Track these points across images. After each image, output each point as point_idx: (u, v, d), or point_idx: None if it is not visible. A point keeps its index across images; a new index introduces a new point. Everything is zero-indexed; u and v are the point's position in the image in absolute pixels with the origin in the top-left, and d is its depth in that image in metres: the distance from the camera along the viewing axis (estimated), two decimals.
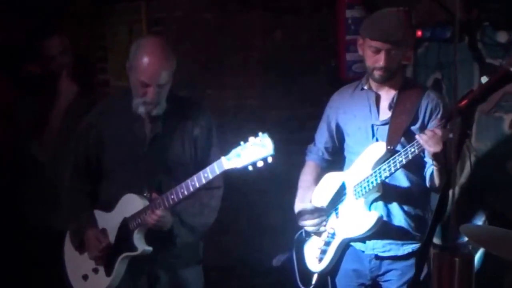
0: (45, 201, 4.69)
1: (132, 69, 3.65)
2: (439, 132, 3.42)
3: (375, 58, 3.68)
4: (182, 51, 4.92)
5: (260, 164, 3.31)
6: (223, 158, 3.39)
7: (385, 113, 3.79)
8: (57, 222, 4.49)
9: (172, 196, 3.55)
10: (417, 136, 3.51)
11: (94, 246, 3.75)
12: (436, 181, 3.63)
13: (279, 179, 4.71)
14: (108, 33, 5.46)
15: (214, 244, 4.12)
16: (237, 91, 5.39)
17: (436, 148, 3.42)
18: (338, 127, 3.97)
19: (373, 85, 3.82)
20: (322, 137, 4.06)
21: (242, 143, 3.34)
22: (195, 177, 3.49)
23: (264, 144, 3.30)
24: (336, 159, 4.06)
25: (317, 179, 4.03)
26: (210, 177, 3.45)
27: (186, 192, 3.52)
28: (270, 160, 3.31)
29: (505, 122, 4.56)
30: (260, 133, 3.33)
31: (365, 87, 3.83)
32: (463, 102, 2.41)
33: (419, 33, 4.95)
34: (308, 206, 3.93)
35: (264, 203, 5.27)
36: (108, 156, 3.80)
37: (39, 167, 4.74)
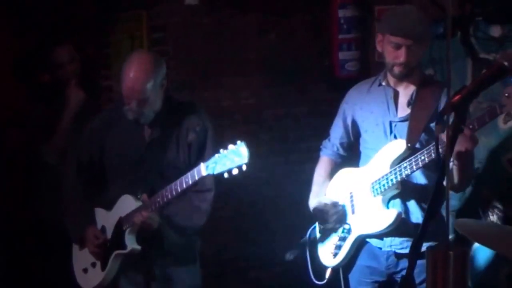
0: (57, 203, 4.82)
1: (120, 82, 3.79)
2: (467, 132, 3.36)
3: (395, 54, 3.64)
4: (180, 55, 4.99)
5: (235, 172, 3.40)
6: (202, 165, 3.50)
7: (404, 110, 3.75)
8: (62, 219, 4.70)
9: (158, 199, 3.68)
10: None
11: (91, 242, 3.91)
12: (455, 178, 3.59)
13: (276, 176, 4.74)
14: (112, 41, 5.61)
15: (212, 238, 4.16)
16: (234, 92, 5.45)
17: (459, 147, 3.36)
18: (354, 123, 3.94)
19: (391, 81, 3.78)
20: (337, 133, 4.03)
21: (221, 150, 3.43)
22: (177, 182, 3.62)
23: (239, 153, 3.38)
24: (350, 154, 4.04)
25: (332, 174, 4.02)
26: (190, 182, 3.57)
27: (169, 196, 3.64)
28: (244, 168, 3.38)
29: (499, 117, 4.56)
30: (238, 141, 3.41)
31: (383, 83, 3.78)
32: (456, 97, 2.41)
33: None
34: (322, 201, 3.91)
35: (261, 199, 5.32)
36: (109, 159, 3.97)
37: (50, 170, 4.92)
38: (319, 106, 5.51)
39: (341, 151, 4.04)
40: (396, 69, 3.68)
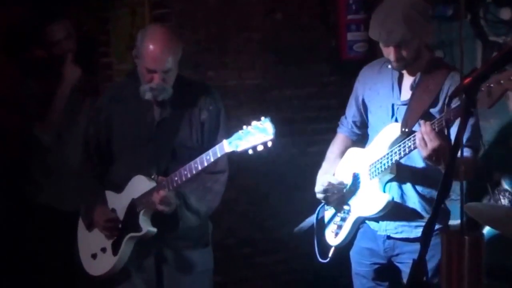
0: (51, 183, 4.79)
1: (139, 56, 3.74)
2: (428, 129, 3.30)
3: (387, 51, 3.61)
4: (184, 32, 4.94)
5: (260, 148, 3.35)
6: (224, 141, 3.43)
7: (407, 93, 3.69)
8: (63, 203, 4.63)
9: (176, 178, 3.60)
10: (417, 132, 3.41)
11: (103, 221, 3.81)
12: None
13: (282, 159, 4.72)
14: (111, 17, 5.50)
15: (218, 223, 4.14)
16: (238, 71, 5.40)
17: (426, 151, 3.32)
18: (364, 102, 3.92)
19: None
20: (350, 111, 4.01)
21: (244, 127, 3.38)
22: (198, 160, 3.54)
23: (265, 129, 3.34)
24: (366, 132, 3.99)
25: (345, 151, 4.01)
26: (212, 159, 3.50)
27: (189, 175, 3.57)
28: (270, 144, 3.34)
29: (509, 100, 4.56)
30: (262, 118, 3.36)
31: (389, 66, 3.71)
32: (467, 80, 2.39)
33: None
34: (329, 179, 3.89)
35: (267, 182, 5.30)
36: (118, 139, 3.88)
37: (44, 150, 4.79)
38: (325, 88, 5.50)
39: (355, 129, 4.02)
40: (394, 64, 3.64)
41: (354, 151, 3.96)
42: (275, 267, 5.51)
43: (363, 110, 3.93)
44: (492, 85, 2.59)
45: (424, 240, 2.55)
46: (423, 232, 2.95)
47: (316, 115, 5.41)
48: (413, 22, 3.51)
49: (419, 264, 2.44)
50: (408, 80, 3.71)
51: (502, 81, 2.56)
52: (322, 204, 4.03)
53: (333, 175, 3.96)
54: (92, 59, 5.38)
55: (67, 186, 4.51)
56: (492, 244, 4.47)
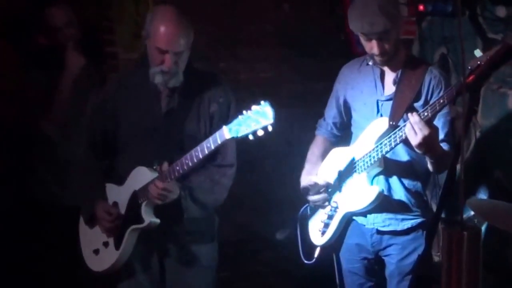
0: (55, 177, 4.70)
1: (148, 36, 3.62)
2: (417, 120, 3.37)
3: (369, 46, 3.66)
4: (194, 23, 4.91)
5: (260, 133, 3.26)
6: (224, 128, 3.34)
7: (390, 89, 3.78)
8: (67, 198, 4.53)
9: (178, 168, 3.53)
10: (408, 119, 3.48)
11: (104, 218, 3.75)
12: (431, 168, 3.64)
13: (294, 154, 4.73)
14: (115, 3, 5.35)
15: (227, 218, 4.13)
16: (250, 64, 5.37)
17: (416, 139, 3.39)
18: (346, 102, 3.99)
19: None
20: (330, 112, 4.09)
21: (244, 112, 3.29)
22: (198, 148, 3.46)
23: (264, 113, 3.25)
24: (345, 134, 4.07)
25: (325, 153, 4.06)
26: (212, 147, 3.42)
27: (190, 163, 3.49)
28: (270, 129, 3.25)
29: (509, 98, 4.57)
30: (262, 102, 3.28)
31: (370, 63, 3.80)
32: (470, 78, 2.43)
33: (421, 7, 4.96)
34: (313, 180, 3.95)
35: (278, 178, 5.25)
36: (123, 129, 3.79)
37: (48, 141, 4.69)
38: None
39: (335, 131, 4.11)
40: (377, 59, 3.71)
41: (338, 150, 4.01)
42: (283, 263, 5.46)
43: (345, 110, 4.01)
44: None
45: (429, 236, 2.60)
46: (427, 229, 3.02)
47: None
48: (390, 13, 3.58)
49: (423, 259, 2.49)
50: (390, 76, 3.79)
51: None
52: (305, 205, 4.09)
53: (316, 175, 4.00)
54: (96, 48, 5.19)
55: (71, 180, 4.43)
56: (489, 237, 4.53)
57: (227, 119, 3.63)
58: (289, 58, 5.45)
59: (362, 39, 3.68)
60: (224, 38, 5.24)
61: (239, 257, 5.30)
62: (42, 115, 4.63)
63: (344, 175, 3.88)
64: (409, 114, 3.42)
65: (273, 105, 3.27)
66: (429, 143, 3.40)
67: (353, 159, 3.82)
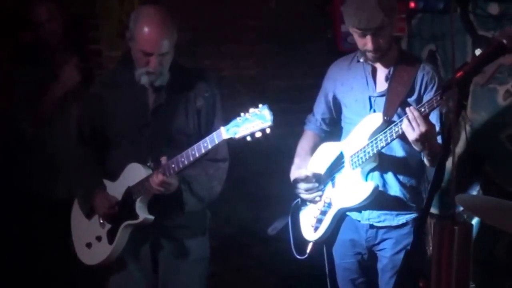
0: (46, 171, 4.71)
1: (133, 38, 3.65)
2: (416, 115, 3.39)
3: (363, 42, 3.67)
4: (178, 20, 4.89)
5: (258, 135, 3.32)
6: (222, 129, 3.39)
7: (382, 85, 3.80)
8: (60, 191, 4.55)
9: (173, 165, 3.57)
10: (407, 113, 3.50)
11: (103, 205, 3.78)
12: (427, 163, 3.66)
13: (279, 149, 4.74)
14: (99, 0, 5.32)
15: (214, 213, 4.16)
16: (235, 61, 5.38)
17: (413, 134, 3.41)
18: (335, 99, 4.00)
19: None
20: (319, 108, 4.11)
21: (242, 114, 3.35)
22: (195, 147, 3.51)
23: (263, 115, 3.31)
24: (333, 129, 4.11)
25: (314, 148, 4.09)
26: (209, 146, 3.47)
27: (186, 162, 3.54)
28: (268, 131, 3.32)
29: (499, 94, 4.60)
30: (260, 105, 3.34)
31: (361, 60, 3.82)
32: (459, 74, 2.45)
33: (412, 4, 4.98)
34: (303, 173, 3.96)
35: (264, 173, 5.32)
36: (112, 126, 3.82)
37: (32, 138, 4.71)
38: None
39: (324, 126, 4.14)
40: (369, 55, 3.72)
41: (327, 145, 4.03)
42: (272, 257, 5.50)
43: (334, 106, 4.03)
44: None
45: (417, 231, 2.61)
46: (416, 223, 3.04)
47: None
48: (387, 8, 3.59)
49: (412, 253, 2.51)
50: (382, 72, 3.80)
51: None
52: (296, 201, 4.10)
53: (306, 169, 4.01)
54: (81, 45, 5.19)
55: (65, 174, 4.43)
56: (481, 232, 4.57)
57: (214, 112, 3.76)
58: (273, 54, 5.45)
59: (356, 35, 3.69)
60: (209, 35, 5.24)
61: (227, 251, 5.32)
62: (25, 112, 4.64)
63: (337, 170, 3.90)
64: (407, 109, 3.44)
65: (259, 103, 3.34)
66: (426, 139, 3.42)
67: (346, 154, 3.84)
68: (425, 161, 3.65)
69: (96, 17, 5.33)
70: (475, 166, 4.71)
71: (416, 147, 3.50)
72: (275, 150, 4.76)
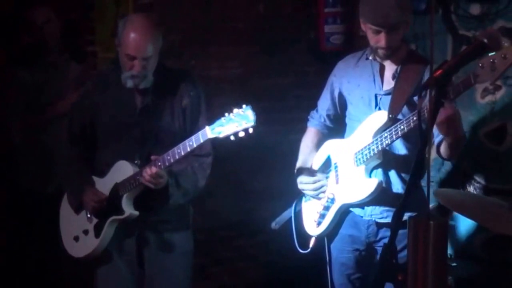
0: (34, 166, 4.82)
1: (120, 44, 3.78)
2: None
3: (376, 39, 3.67)
4: (167, 22, 4.95)
5: (241, 134, 3.43)
6: (207, 128, 3.50)
7: (389, 83, 3.79)
8: (51, 186, 4.67)
9: (159, 163, 3.67)
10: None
11: (92, 200, 3.88)
12: (444, 152, 3.64)
13: (262, 145, 4.79)
14: (97, 5, 5.48)
15: (199, 206, 4.22)
16: (221, 62, 5.44)
17: (439, 117, 3.26)
18: (341, 95, 4.00)
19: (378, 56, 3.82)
20: (324, 104, 4.10)
21: (226, 114, 3.45)
22: (181, 145, 3.62)
23: (246, 116, 3.41)
24: (337, 126, 4.10)
25: (318, 145, 4.09)
26: (194, 145, 3.58)
27: (172, 160, 3.65)
28: (251, 131, 3.42)
29: (477, 92, 4.63)
30: (244, 105, 3.44)
31: (370, 57, 3.82)
32: (438, 72, 2.48)
33: None
34: (308, 170, 3.99)
35: (248, 168, 5.37)
36: (102, 126, 3.94)
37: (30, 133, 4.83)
38: (305, 78, 5.56)
39: (328, 123, 4.12)
40: (380, 52, 3.72)
41: (332, 142, 4.04)
42: (255, 249, 5.59)
43: (339, 103, 4.02)
44: (495, 60, 2.68)
45: (394, 225, 2.66)
46: (393, 217, 3.06)
47: (295, 105, 5.45)
48: (404, 7, 3.62)
49: (389, 247, 2.55)
50: (389, 71, 3.80)
51: (507, 56, 2.65)
52: (300, 196, 4.11)
53: (311, 166, 4.04)
54: (78, 47, 5.36)
55: (50, 169, 4.55)
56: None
57: (199, 111, 3.87)
58: (258, 55, 5.50)
59: (369, 32, 3.69)
60: (197, 36, 5.31)
61: (210, 243, 5.37)
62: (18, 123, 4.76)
63: (341, 167, 3.91)
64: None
65: (245, 102, 3.43)
66: (451, 123, 3.36)
67: (350, 151, 3.84)
68: (442, 149, 3.62)
69: (93, 20, 5.47)
70: (455, 163, 4.73)
71: (440, 131, 3.45)
72: (259, 146, 4.80)
